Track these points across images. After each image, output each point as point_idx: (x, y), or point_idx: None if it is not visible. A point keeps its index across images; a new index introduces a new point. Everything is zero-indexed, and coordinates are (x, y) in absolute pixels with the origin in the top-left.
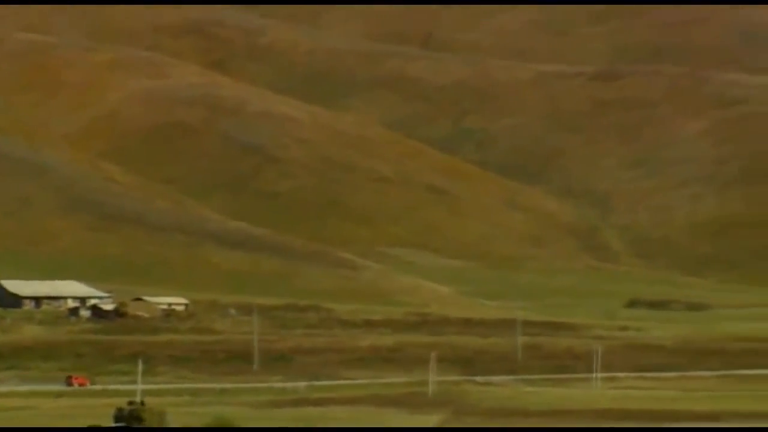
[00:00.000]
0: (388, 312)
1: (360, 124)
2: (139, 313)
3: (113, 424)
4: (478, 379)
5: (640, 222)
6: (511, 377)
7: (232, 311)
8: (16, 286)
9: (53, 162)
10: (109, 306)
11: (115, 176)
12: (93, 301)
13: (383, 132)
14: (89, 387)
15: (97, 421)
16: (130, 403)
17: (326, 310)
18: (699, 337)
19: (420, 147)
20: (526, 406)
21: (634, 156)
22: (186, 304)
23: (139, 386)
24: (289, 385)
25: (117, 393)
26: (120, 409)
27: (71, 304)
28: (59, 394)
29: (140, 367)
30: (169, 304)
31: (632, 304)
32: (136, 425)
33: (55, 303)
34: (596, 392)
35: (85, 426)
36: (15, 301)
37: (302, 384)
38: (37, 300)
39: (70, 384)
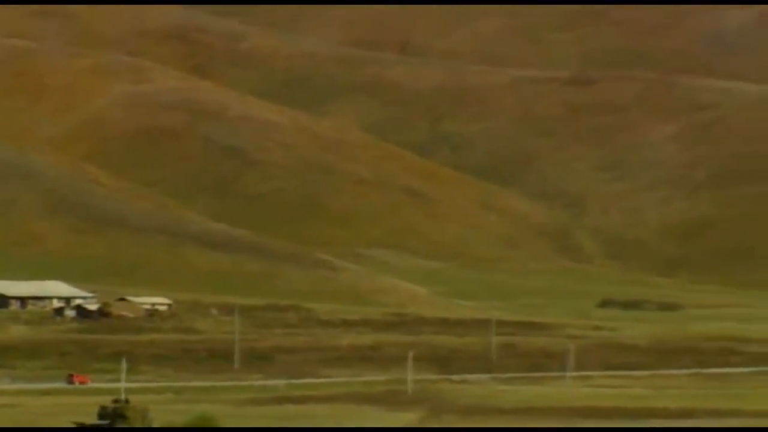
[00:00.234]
0: (366, 312)
1: (339, 128)
2: (123, 313)
3: (97, 422)
4: (454, 377)
5: (612, 224)
6: (487, 376)
7: (214, 311)
8: (2, 287)
9: (38, 165)
10: (93, 306)
11: (99, 179)
12: (77, 301)
13: (362, 136)
14: (89, 385)
15: (81, 419)
16: (115, 401)
17: (306, 310)
18: (670, 336)
19: (397, 150)
20: (501, 404)
21: (606, 159)
22: (169, 304)
23: (123, 384)
24: (270, 383)
25: (101, 391)
26: (104, 407)
27: (56, 304)
28: (45, 392)
29: (124, 365)
30: (152, 304)
31: (605, 304)
32: (120, 423)
33: (41, 303)
34: (569, 390)
35: (71, 423)
36: (1, 301)
37: (282, 382)
38: (23, 300)
39: (71, 382)
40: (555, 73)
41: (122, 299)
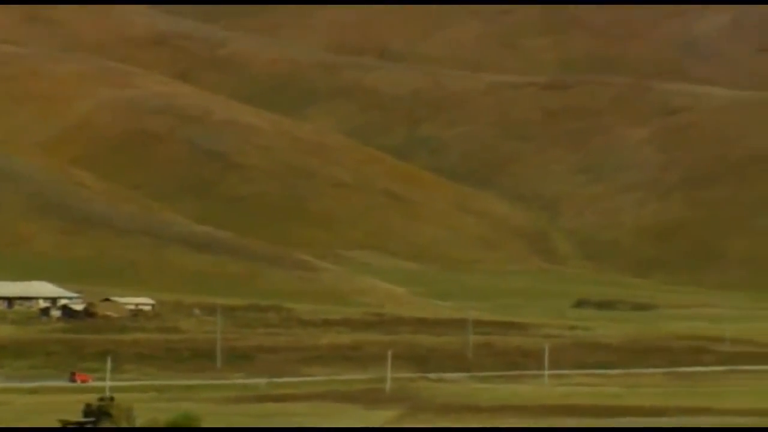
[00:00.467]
0: (346, 312)
1: (319, 132)
2: (108, 313)
3: (82, 419)
4: (432, 376)
5: (587, 225)
6: (464, 374)
7: (197, 311)
8: None
9: (25, 169)
10: (78, 306)
11: (85, 182)
12: (63, 302)
13: (341, 139)
14: (90, 383)
15: (66, 417)
16: (100, 399)
17: (287, 310)
18: (644, 335)
19: (376, 154)
20: (478, 402)
21: (582, 162)
22: (152, 305)
23: (108, 383)
24: (251, 381)
25: (86, 389)
26: (89, 405)
27: (42, 304)
28: (32, 391)
29: (108, 364)
30: (137, 305)
31: (580, 304)
32: (104, 420)
33: (27, 303)
34: (545, 388)
35: (57, 420)
36: None
37: (264, 381)
38: (10, 300)
39: (73, 380)
40: (531, 79)
41: (107, 299)
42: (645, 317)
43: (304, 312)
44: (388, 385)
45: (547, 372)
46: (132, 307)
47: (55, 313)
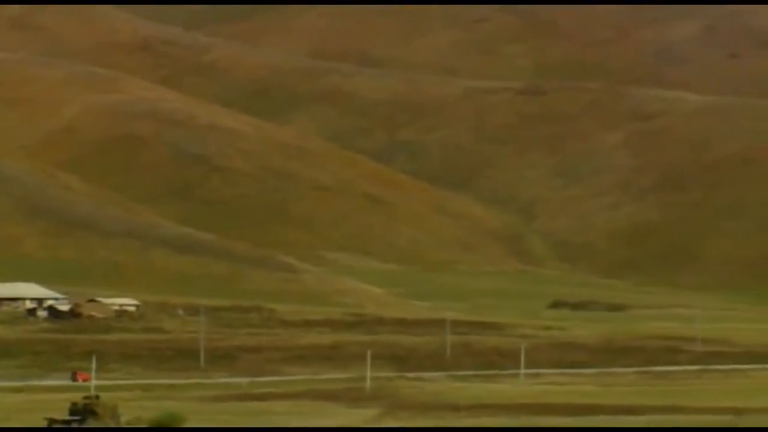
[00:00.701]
0: (326, 312)
1: (300, 136)
2: (93, 314)
3: (68, 418)
4: (411, 375)
5: (562, 228)
6: (442, 373)
7: (180, 312)
8: None
9: (13, 172)
10: (64, 307)
11: (71, 185)
12: (50, 302)
13: (322, 143)
14: (91, 382)
15: (53, 415)
16: (85, 397)
17: (268, 311)
18: (618, 335)
19: (356, 158)
20: (456, 401)
21: (557, 166)
22: (137, 305)
23: (93, 382)
24: (234, 381)
25: (72, 388)
26: (75, 404)
27: (29, 305)
28: (19, 389)
29: (94, 364)
30: (121, 305)
31: (555, 305)
32: (90, 418)
33: (14, 304)
34: (521, 387)
35: (43, 418)
36: None
37: (246, 380)
38: None
39: (75, 379)
40: (508, 84)
41: (92, 300)
42: (619, 318)
43: (285, 312)
44: (367, 384)
45: (523, 371)
46: (117, 307)
47: (42, 313)
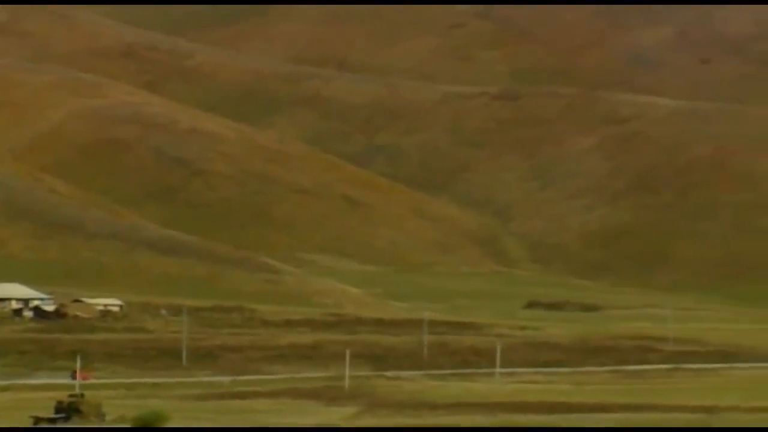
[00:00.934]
0: (306, 312)
1: (281, 140)
2: (78, 314)
3: (54, 415)
4: (389, 374)
5: (537, 230)
6: (419, 372)
7: (163, 312)
8: None
9: None
10: (50, 307)
11: (56, 188)
12: (35, 303)
13: (302, 147)
14: (90, 381)
15: (38, 412)
16: (70, 396)
17: (250, 311)
18: (592, 335)
19: (336, 161)
20: (433, 399)
21: (532, 169)
22: (121, 305)
23: (78, 381)
24: (216, 379)
25: (57, 387)
26: (60, 402)
27: (15, 305)
28: (5, 388)
29: (78, 363)
30: (106, 305)
31: (530, 305)
32: (75, 416)
33: (0, 304)
34: (497, 386)
35: (29, 417)
36: None
37: (228, 379)
38: None
39: (74, 378)
40: (484, 89)
41: (77, 301)
42: (593, 318)
43: (266, 313)
44: (346, 383)
45: (499, 370)
46: (101, 307)
47: (28, 313)
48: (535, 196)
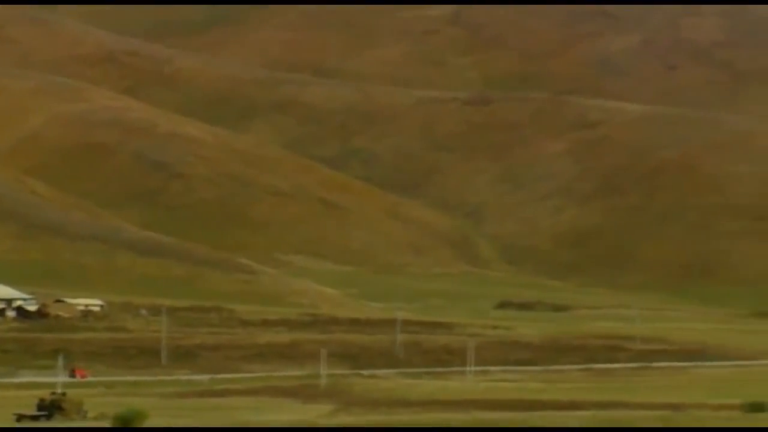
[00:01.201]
0: (283, 312)
1: (258, 144)
2: (60, 314)
3: (36, 413)
4: (364, 372)
5: (508, 232)
6: (394, 371)
7: (143, 312)
8: None
9: None
10: (32, 307)
11: (38, 190)
12: (18, 303)
13: (279, 151)
14: (88, 379)
15: (21, 410)
16: (52, 393)
17: (228, 311)
18: (562, 334)
19: (312, 164)
20: (407, 397)
21: (503, 172)
22: (101, 305)
23: (60, 379)
24: (195, 378)
25: (39, 385)
26: (42, 400)
27: None
28: None
29: (60, 361)
30: (87, 305)
31: (502, 305)
32: (56, 414)
33: None
34: (470, 384)
35: (12, 414)
36: None
37: (206, 377)
38: None
39: (73, 375)
40: (456, 94)
41: (59, 301)
42: (563, 317)
43: (244, 312)
44: (322, 381)
45: (471, 368)
46: (82, 307)
47: (11, 313)
48: (506, 199)
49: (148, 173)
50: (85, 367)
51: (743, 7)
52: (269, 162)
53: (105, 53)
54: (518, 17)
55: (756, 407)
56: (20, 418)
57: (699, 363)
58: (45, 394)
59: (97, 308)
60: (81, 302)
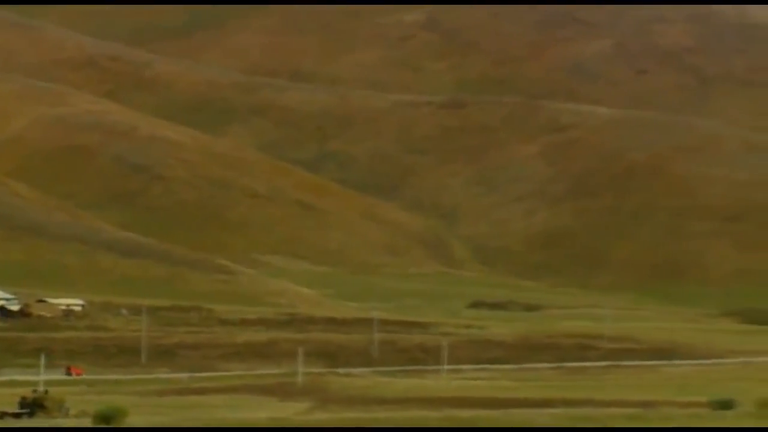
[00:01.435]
0: (261, 312)
1: (236, 147)
2: (42, 313)
3: (18, 410)
4: (340, 370)
5: (482, 233)
6: (369, 369)
7: (124, 311)
8: None
9: None
10: (14, 306)
11: (21, 192)
12: (1, 302)
13: (256, 154)
14: (84, 377)
15: (3, 408)
16: (34, 391)
17: (206, 311)
18: (534, 333)
19: (289, 167)
20: (383, 394)
21: (477, 175)
22: (83, 305)
23: (42, 377)
24: (174, 376)
25: (22, 383)
26: (24, 397)
27: None
28: None
29: (42, 360)
30: (68, 305)
31: (475, 305)
32: (38, 411)
33: None
34: (444, 382)
35: None
36: None
37: (185, 375)
38: None
39: (69, 374)
40: (431, 98)
41: (41, 300)
42: (534, 317)
43: (222, 312)
44: (299, 379)
45: (445, 367)
46: (64, 307)
47: None
48: (479, 201)
49: (128, 175)
50: (65, 365)
51: (712, 14)
52: (247, 164)
53: (86, 58)
54: (492, 23)
55: (723, 405)
56: (2, 415)
57: (668, 362)
58: (27, 392)
59: (78, 308)
60: (63, 302)
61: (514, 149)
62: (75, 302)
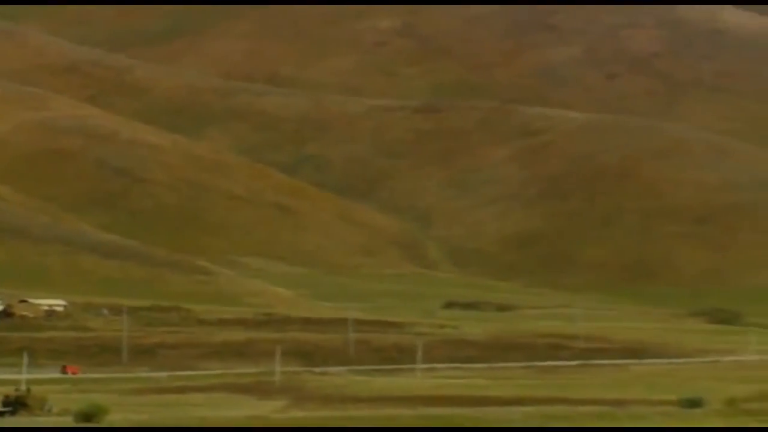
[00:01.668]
0: (239, 312)
1: (215, 150)
2: (25, 313)
3: (1, 409)
4: (317, 369)
5: (456, 235)
6: (345, 368)
7: (105, 311)
8: None
9: None
10: None
11: (3, 195)
12: None
13: (235, 157)
14: (79, 375)
15: None
16: (17, 390)
17: (186, 311)
18: (506, 333)
19: (267, 170)
20: (358, 393)
21: (451, 178)
22: (65, 306)
23: (24, 376)
24: (154, 375)
25: (4, 382)
26: (7, 396)
27: None
28: None
29: (25, 359)
30: (50, 306)
31: (449, 305)
32: (21, 409)
33: None
34: (418, 381)
35: None
36: None
37: (165, 374)
38: None
39: (65, 372)
40: (405, 103)
41: (24, 301)
42: (507, 317)
43: (201, 312)
44: (276, 378)
45: (420, 366)
46: (46, 307)
47: None
48: (453, 203)
49: (109, 179)
50: (47, 365)
51: (681, 20)
52: (226, 168)
53: (68, 63)
54: (465, 29)
55: (692, 403)
56: None
57: (638, 361)
58: (9, 390)
59: (60, 308)
60: (45, 302)
61: (487, 153)
62: (57, 303)
